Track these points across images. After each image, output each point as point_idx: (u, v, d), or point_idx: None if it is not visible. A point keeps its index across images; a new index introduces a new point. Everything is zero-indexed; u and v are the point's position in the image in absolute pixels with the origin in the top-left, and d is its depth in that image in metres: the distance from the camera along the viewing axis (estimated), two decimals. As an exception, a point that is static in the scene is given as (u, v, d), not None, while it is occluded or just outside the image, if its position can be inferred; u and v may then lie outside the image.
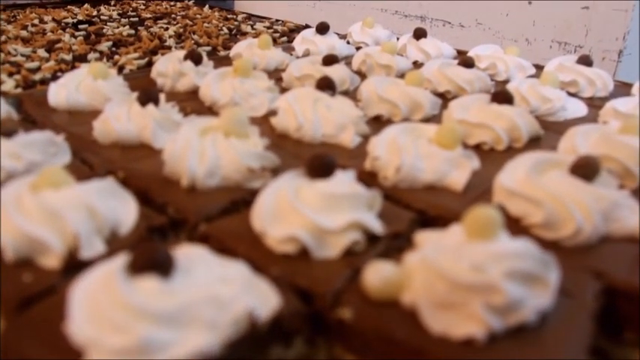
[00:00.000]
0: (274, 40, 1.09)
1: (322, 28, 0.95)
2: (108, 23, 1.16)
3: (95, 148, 0.56)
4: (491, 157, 0.58)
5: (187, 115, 0.62)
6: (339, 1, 1.56)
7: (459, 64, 0.80)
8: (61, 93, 0.64)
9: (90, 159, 0.54)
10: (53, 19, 1.16)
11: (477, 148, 0.59)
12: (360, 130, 0.61)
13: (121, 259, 0.33)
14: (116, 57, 0.89)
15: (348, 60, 0.92)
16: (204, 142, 0.49)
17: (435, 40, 0.97)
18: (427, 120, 0.67)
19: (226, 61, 0.86)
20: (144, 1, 1.47)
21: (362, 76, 0.83)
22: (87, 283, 0.32)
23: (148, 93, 0.58)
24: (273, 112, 0.63)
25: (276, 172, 0.50)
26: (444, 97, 0.74)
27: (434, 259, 0.34)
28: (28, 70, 0.82)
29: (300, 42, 0.95)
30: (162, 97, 0.60)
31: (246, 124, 0.52)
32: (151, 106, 0.57)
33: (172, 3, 1.45)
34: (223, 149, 0.49)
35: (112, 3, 1.42)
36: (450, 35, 1.39)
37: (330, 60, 0.77)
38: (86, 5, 1.34)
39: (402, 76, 0.76)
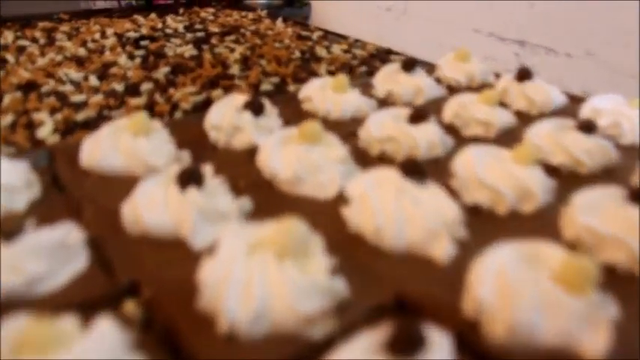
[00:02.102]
0: (351, 69, 0.95)
1: (408, 65, 0.81)
2: (171, 39, 1.07)
3: (123, 237, 0.45)
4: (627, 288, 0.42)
5: (241, 194, 0.50)
6: (425, 17, 1.40)
7: (579, 128, 0.63)
8: (94, 152, 0.54)
9: (112, 257, 0.43)
10: (115, 34, 1.08)
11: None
12: (456, 234, 0.46)
13: None
14: (171, 90, 0.78)
15: (437, 103, 0.77)
16: (251, 268, 0.37)
17: (542, 84, 0.80)
18: (539, 215, 0.52)
19: (294, 105, 0.73)
20: (213, 10, 1.37)
21: (454, 131, 0.68)
22: None
23: (189, 172, 0.46)
24: (344, 198, 0.50)
25: (342, 308, 0.37)
26: (557, 172, 0.59)
27: None
28: (73, 105, 0.72)
29: (382, 80, 0.80)
30: (208, 171, 0.49)
31: (307, 240, 0.39)
32: (192, 191, 0.45)
33: (243, 14, 1.34)
34: (275, 282, 0.36)
35: (181, 12, 1.33)
36: (552, 65, 1.20)
37: (418, 117, 0.63)
38: (152, 15, 1.25)
39: (504, 137, 0.63)
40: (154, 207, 0.45)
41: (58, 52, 0.94)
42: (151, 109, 0.72)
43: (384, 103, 0.77)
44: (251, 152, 0.59)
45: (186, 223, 0.44)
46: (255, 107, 0.62)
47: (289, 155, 0.53)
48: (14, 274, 0.37)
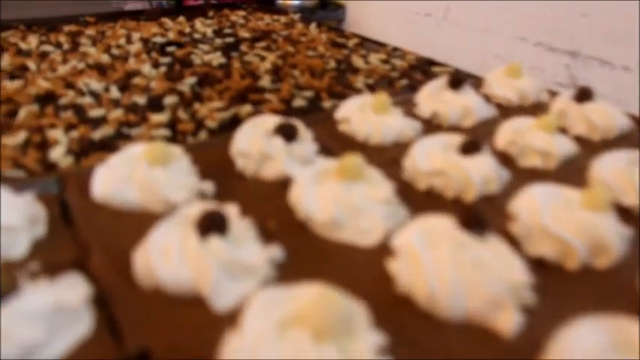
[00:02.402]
0: (391, 82, 0.88)
1: (456, 83, 0.73)
2: (199, 45, 1.01)
3: (134, 292, 0.39)
4: None
5: (270, 237, 0.43)
6: (467, 24, 1.32)
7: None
8: (107, 183, 0.48)
9: (121, 318, 0.37)
10: (141, 39, 1.02)
11: None
12: (522, 301, 0.39)
13: None
14: (196, 105, 0.72)
15: (487, 126, 0.70)
16: (283, 351, 0.30)
17: (604, 106, 0.72)
18: (615, 272, 0.44)
19: (330, 126, 0.67)
20: (244, 13, 1.31)
21: (508, 161, 0.61)
22: None
23: (211, 218, 0.40)
24: (388, 249, 0.43)
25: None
26: (631, 217, 0.51)
27: None
28: (91, 120, 0.67)
29: (426, 98, 0.73)
30: (233, 212, 0.42)
31: (350, 315, 0.32)
32: (214, 240, 0.39)
33: (275, 17, 1.27)
34: (311, 374, 0.29)
35: (210, 14, 1.27)
36: (608, 79, 1.10)
37: (471, 147, 0.55)
38: (181, 18, 1.20)
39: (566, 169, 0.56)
40: (169, 258, 0.38)
41: (81, 58, 0.89)
42: (173, 126, 0.66)
43: (429, 124, 0.70)
44: (282, 184, 0.53)
45: (206, 278, 0.38)
46: (287, 132, 0.56)
47: (326, 194, 0.46)
48: (7, 343, 0.31)
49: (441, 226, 0.42)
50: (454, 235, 0.41)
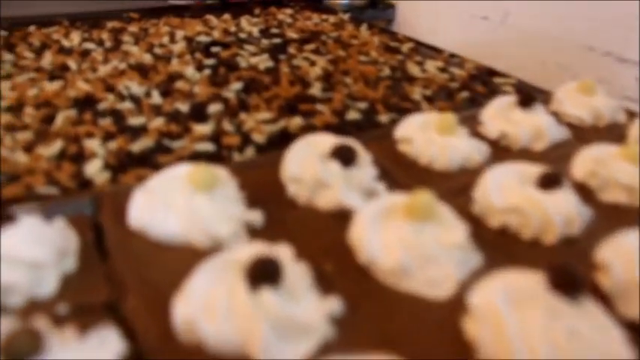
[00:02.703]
0: (450, 94, 0.81)
1: (527, 101, 0.66)
2: (245, 46, 0.96)
3: (173, 347, 0.34)
4: None
5: (327, 287, 0.38)
6: (528, 29, 1.23)
7: None
8: (145, 210, 0.43)
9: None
10: (185, 38, 0.98)
11: None
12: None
13: None
14: (242, 115, 0.67)
15: (561, 149, 0.63)
16: None
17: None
18: None
19: (388, 145, 0.60)
20: (292, 12, 1.25)
21: (587, 193, 0.54)
22: None
23: (262, 267, 0.34)
24: (462, 303, 0.37)
25: None
26: None
27: None
28: (130, 129, 0.62)
29: (493, 117, 0.66)
30: (287, 257, 0.37)
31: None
32: (266, 293, 0.33)
33: (324, 17, 1.21)
34: None
35: (256, 12, 1.22)
36: (688, 95, 1.00)
37: (551, 181, 0.49)
38: (226, 15, 1.15)
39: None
40: (214, 312, 0.33)
41: (123, 58, 0.85)
42: (217, 139, 0.61)
43: (496, 145, 0.63)
44: (339, 215, 0.47)
45: (256, 338, 0.32)
46: (344, 156, 0.50)
47: (392, 237, 0.40)
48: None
49: (528, 285, 0.36)
50: (545, 298, 0.35)
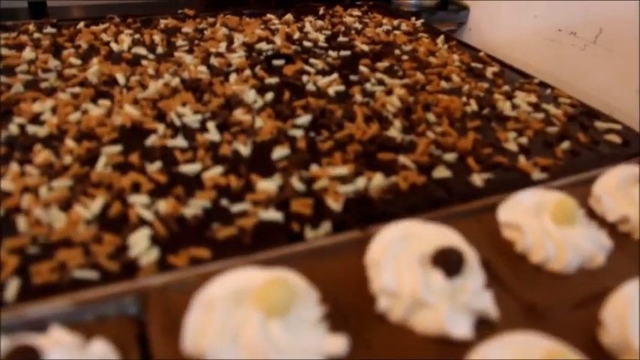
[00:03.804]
0: (548, 144, 0.69)
1: (660, 179, 0.54)
2: (310, 60, 0.85)
3: None
4: None
5: None
6: (625, 51, 1.08)
7: None
8: (203, 335, 0.34)
9: None
10: (244, 45, 0.87)
11: None
12: None
13: None
14: (313, 167, 0.57)
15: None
16: None
17: None
18: None
19: (488, 225, 0.50)
20: (359, 13, 1.13)
21: None
22: None
23: None
24: None
25: None
26: None
27: None
28: (184, 179, 0.53)
29: (609, 193, 0.54)
30: None
31: None
32: None
33: (395, 23, 1.09)
34: None
35: (321, 12, 1.10)
36: None
37: None
38: (288, 16, 1.04)
39: None
40: None
41: (175, 71, 0.76)
42: (284, 205, 0.51)
43: (614, 230, 0.52)
44: (442, 342, 0.37)
45: None
46: (450, 265, 0.39)
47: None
48: None
49: None
50: None
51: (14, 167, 0.52)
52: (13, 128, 0.59)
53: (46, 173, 0.51)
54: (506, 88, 0.84)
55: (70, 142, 0.57)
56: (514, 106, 0.78)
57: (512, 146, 0.67)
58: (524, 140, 0.69)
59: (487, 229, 0.50)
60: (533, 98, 0.81)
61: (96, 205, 0.47)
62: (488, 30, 1.35)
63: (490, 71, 0.90)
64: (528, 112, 0.77)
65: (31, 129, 0.59)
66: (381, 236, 0.43)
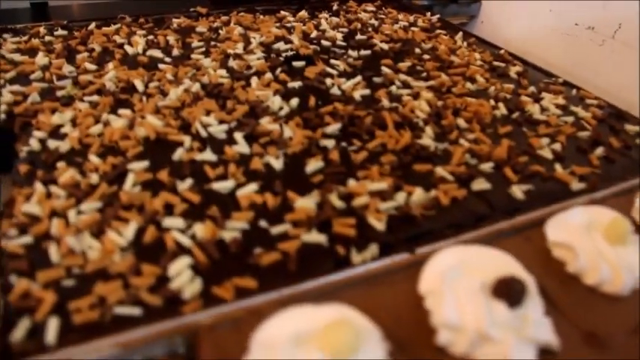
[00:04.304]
0: (582, 151, 0.67)
1: None
2: (331, 61, 0.82)
3: None
4: None
5: None
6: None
7: None
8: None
9: None
10: (261, 45, 0.84)
11: None
12: None
13: None
14: (351, 182, 0.54)
15: None
16: None
17: None
18: None
19: (536, 243, 0.48)
20: (373, 9, 1.10)
21: None
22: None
23: None
24: None
25: None
26: None
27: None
28: (215, 198, 0.50)
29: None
30: None
31: None
32: None
33: (411, 19, 1.06)
34: None
35: (335, 8, 1.07)
36: None
37: None
38: (303, 13, 1.01)
39: None
40: None
41: (194, 75, 0.73)
42: (325, 226, 0.48)
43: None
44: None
45: None
46: (513, 295, 0.37)
47: None
48: None
49: None
50: None
51: (39, 188, 0.49)
52: (34, 143, 0.56)
53: (74, 194, 0.49)
54: (532, 89, 0.81)
55: (94, 158, 0.54)
56: (543, 109, 0.76)
57: (546, 153, 0.65)
58: (557, 147, 0.67)
59: (536, 248, 0.49)
60: (560, 100, 0.79)
61: (129, 230, 0.45)
62: (501, 23, 1.32)
63: (513, 71, 0.87)
64: (557, 115, 0.75)
65: (52, 144, 0.56)
66: (434, 264, 0.42)
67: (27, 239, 0.44)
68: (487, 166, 0.61)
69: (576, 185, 0.60)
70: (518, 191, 0.57)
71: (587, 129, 0.72)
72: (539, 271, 0.45)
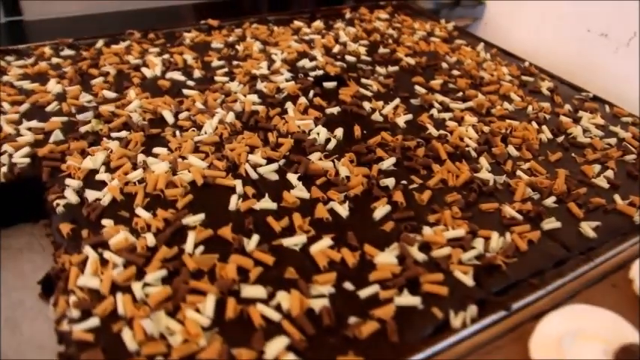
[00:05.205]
0: (634, 177, 0.65)
1: None
2: (362, 80, 0.78)
3: None
4: None
5: None
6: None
7: None
8: None
9: None
10: (285, 62, 0.79)
11: None
12: None
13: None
14: (426, 230, 0.50)
15: None
16: None
17: None
18: None
19: (624, 289, 0.46)
20: (386, 16, 1.05)
21: None
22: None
23: None
24: None
25: None
26: None
27: None
28: (288, 255, 0.46)
29: None
30: None
31: None
32: None
33: (428, 27, 1.02)
34: None
35: (347, 15, 1.02)
36: None
37: None
38: (318, 23, 0.95)
39: None
40: None
41: (224, 102, 0.67)
42: (413, 284, 0.45)
43: None
44: None
45: None
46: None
47: None
48: None
49: None
50: None
51: (92, 254, 0.43)
52: (70, 195, 0.50)
53: (133, 262, 0.43)
54: (567, 107, 0.79)
55: (142, 212, 0.48)
56: (584, 130, 0.74)
57: (602, 182, 0.63)
58: (609, 174, 0.65)
59: (624, 295, 0.47)
60: (599, 119, 0.77)
61: (208, 305, 0.40)
62: (506, 26, 1.30)
63: (545, 86, 0.85)
64: (600, 136, 0.73)
65: (91, 195, 0.50)
66: (545, 331, 0.39)
67: (93, 322, 0.38)
68: (550, 201, 0.58)
69: (638, 218, 0.58)
70: (588, 228, 0.55)
71: (632, 151, 0.70)
72: (635, 323, 0.43)
